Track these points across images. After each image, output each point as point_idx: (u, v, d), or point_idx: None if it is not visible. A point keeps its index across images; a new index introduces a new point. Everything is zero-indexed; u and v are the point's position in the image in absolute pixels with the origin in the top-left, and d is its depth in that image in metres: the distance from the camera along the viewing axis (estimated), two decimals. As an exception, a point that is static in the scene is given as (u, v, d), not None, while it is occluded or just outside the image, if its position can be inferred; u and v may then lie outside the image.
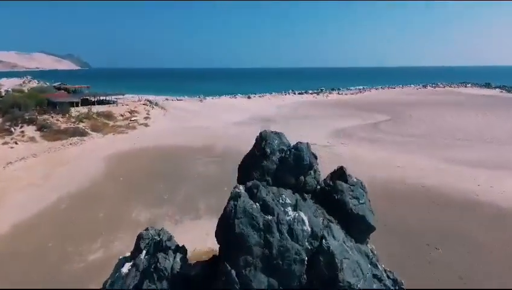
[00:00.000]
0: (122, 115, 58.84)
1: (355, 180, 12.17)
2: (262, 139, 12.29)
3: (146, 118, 59.61)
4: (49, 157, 37.06)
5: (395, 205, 25.43)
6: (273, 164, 11.81)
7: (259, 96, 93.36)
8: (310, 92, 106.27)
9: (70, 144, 42.33)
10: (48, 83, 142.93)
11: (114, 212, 24.27)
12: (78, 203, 25.84)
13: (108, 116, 56.72)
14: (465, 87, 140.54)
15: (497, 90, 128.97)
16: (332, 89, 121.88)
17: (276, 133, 12.61)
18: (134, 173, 32.47)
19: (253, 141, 12.57)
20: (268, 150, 11.97)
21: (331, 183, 12.02)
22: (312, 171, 12.07)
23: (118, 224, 22.62)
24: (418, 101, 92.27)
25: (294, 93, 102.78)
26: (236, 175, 12.43)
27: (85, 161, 36.08)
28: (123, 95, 68.22)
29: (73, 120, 49.69)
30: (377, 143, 44.91)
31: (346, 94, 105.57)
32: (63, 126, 47.23)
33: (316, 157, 12.37)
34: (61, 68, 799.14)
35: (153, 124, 56.96)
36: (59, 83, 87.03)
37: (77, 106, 59.96)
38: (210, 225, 22.82)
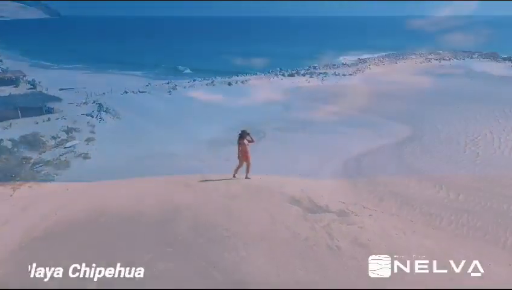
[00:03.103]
0: (54, 138, 42.88)
1: None
2: None
3: (88, 139, 43.85)
4: None
5: None
6: None
7: (242, 83, 77.24)
8: (302, 72, 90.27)
9: None
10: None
11: None
12: None
13: (33, 142, 40.73)
14: (472, 58, 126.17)
15: (508, 63, 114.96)
16: (326, 65, 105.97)
17: None
18: None
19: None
20: None
21: None
22: None
23: None
24: (431, 89, 77.65)
25: (283, 75, 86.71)
26: None
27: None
28: (60, 101, 51.25)
29: (-31, 166, 33.79)
30: (415, 207, 31.00)
31: (344, 75, 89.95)
32: None
33: None
34: (26, 17, 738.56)
35: (96, 151, 41.44)
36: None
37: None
38: None
